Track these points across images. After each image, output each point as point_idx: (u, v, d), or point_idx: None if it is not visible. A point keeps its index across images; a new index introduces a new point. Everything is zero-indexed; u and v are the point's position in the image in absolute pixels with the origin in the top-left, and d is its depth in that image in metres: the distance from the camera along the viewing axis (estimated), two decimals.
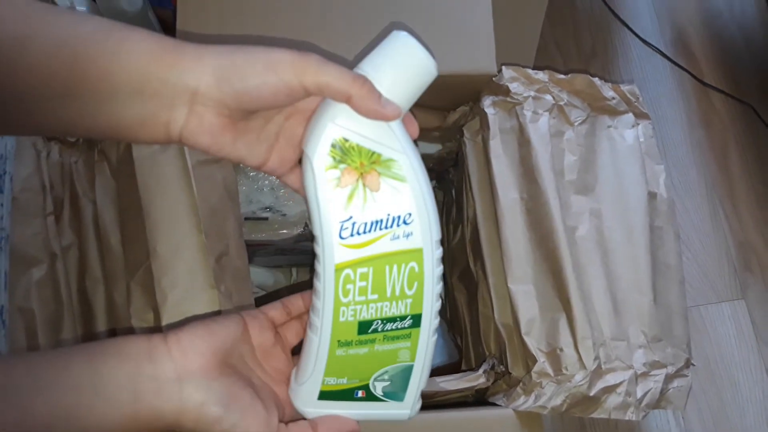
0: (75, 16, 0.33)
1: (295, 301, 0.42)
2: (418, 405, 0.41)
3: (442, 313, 0.71)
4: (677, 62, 1.15)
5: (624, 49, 1.17)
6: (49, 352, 0.34)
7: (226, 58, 0.34)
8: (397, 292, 0.38)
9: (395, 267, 0.37)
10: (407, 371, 0.39)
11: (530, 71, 0.57)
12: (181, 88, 0.33)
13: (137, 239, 0.51)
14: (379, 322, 0.38)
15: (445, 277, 0.76)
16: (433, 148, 0.69)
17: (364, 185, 0.37)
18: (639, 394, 0.50)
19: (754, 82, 1.15)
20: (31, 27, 0.32)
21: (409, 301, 0.38)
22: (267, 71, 0.33)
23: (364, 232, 0.37)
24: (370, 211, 0.37)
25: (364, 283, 0.38)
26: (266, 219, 0.68)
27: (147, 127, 0.34)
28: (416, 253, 0.37)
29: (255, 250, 0.70)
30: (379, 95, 0.35)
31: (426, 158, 0.70)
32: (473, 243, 0.61)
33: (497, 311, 0.54)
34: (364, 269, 0.37)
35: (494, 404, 0.52)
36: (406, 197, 0.37)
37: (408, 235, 0.37)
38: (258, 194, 0.67)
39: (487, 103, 0.57)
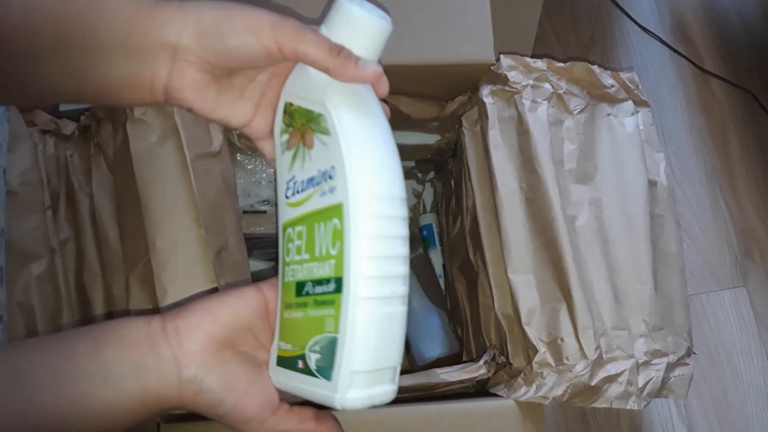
0: None
1: None
2: (358, 393, 0.33)
3: (442, 303, 0.70)
4: (677, 49, 1.14)
5: (623, 37, 1.16)
6: (51, 340, 0.35)
7: (206, 13, 0.34)
8: (324, 252, 0.34)
9: (322, 225, 0.35)
10: (333, 344, 0.33)
11: (529, 59, 0.56)
12: (163, 43, 0.34)
13: (135, 233, 0.51)
14: (310, 283, 0.35)
15: (445, 268, 0.76)
16: (432, 139, 0.68)
17: (304, 144, 0.36)
18: (640, 383, 0.50)
19: (754, 69, 1.14)
20: None
21: (333, 261, 0.34)
22: (246, 32, 0.34)
23: (302, 191, 0.36)
24: (307, 169, 0.36)
25: (299, 242, 0.36)
26: (264, 212, 0.68)
27: (132, 86, 0.35)
28: (337, 209, 0.34)
29: (253, 244, 0.70)
30: (356, 60, 0.34)
31: (425, 149, 0.70)
32: (473, 233, 0.61)
33: (497, 302, 0.54)
34: (300, 228, 0.36)
35: (495, 395, 0.52)
36: (331, 150, 0.34)
37: (332, 190, 0.34)
38: (256, 187, 0.67)
39: (486, 93, 0.56)
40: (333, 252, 0.34)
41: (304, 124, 0.36)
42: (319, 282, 0.35)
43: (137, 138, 0.51)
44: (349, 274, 0.33)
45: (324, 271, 0.34)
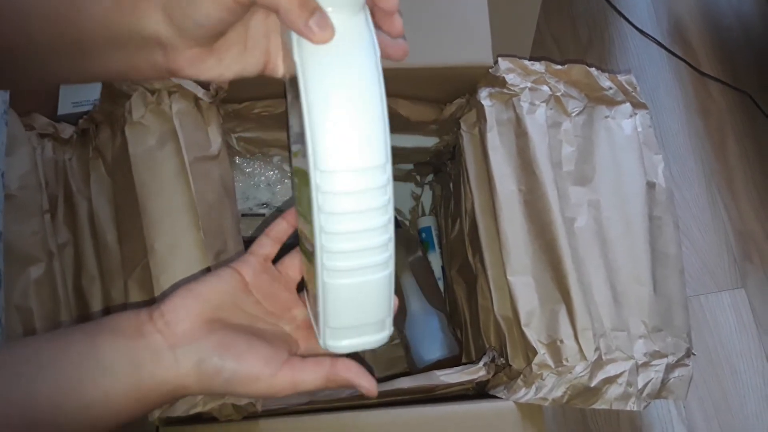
0: None
1: (278, 226, 0.42)
2: (338, 343, 0.36)
3: (441, 305, 0.70)
4: (674, 52, 1.15)
5: (621, 40, 1.16)
6: (47, 336, 0.36)
7: None
8: (307, 213, 0.34)
9: (303, 187, 0.34)
10: (316, 299, 0.36)
11: (527, 62, 0.57)
12: (146, 34, 0.34)
13: (134, 237, 0.51)
14: (305, 237, 0.36)
15: (444, 270, 0.76)
16: (430, 141, 0.68)
17: (294, 95, 0.34)
18: (640, 385, 0.50)
19: (752, 71, 1.15)
20: None
21: (309, 227, 0.33)
22: (207, 1, 0.31)
23: (294, 143, 0.36)
24: (294, 123, 0.35)
25: (297, 193, 0.37)
26: (263, 215, 0.68)
27: (135, 71, 0.36)
28: (306, 176, 0.32)
29: None
30: (312, 11, 0.30)
31: (423, 151, 0.70)
32: (472, 236, 0.61)
33: (497, 304, 0.54)
34: (296, 179, 0.37)
35: (495, 397, 0.52)
36: (300, 114, 0.31)
37: (304, 155, 0.31)
38: (254, 190, 0.67)
39: (484, 95, 0.56)
40: (310, 217, 0.33)
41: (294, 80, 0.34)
42: (307, 239, 0.36)
43: (136, 141, 0.51)
44: (317, 246, 0.33)
45: (308, 230, 0.35)
